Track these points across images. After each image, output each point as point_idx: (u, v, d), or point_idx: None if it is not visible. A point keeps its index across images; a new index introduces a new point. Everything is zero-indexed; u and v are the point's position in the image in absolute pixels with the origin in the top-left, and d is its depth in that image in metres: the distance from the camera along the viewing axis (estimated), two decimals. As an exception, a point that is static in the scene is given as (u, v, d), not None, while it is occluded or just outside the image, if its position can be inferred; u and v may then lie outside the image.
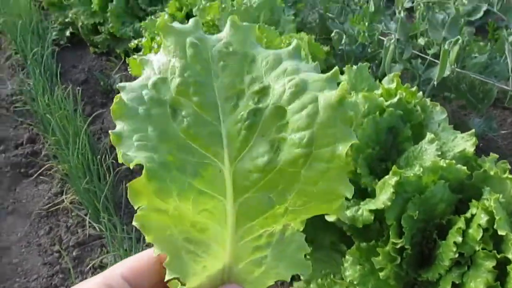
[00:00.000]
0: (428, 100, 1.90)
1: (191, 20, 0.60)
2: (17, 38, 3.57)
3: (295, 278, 1.92)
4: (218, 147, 0.52)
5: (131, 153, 0.48)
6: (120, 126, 0.50)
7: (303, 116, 0.51)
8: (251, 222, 0.53)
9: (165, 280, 0.49)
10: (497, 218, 1.27)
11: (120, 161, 0.48)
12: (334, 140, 0.51)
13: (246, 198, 0.52)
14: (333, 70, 0.53)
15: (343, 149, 0.50)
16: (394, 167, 1.44)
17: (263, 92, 0.54)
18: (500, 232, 1.25)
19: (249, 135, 0.53)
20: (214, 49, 0.57)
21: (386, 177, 1.46)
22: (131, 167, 0.48)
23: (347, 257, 1.49)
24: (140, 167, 0.46)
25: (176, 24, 0.58)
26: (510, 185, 1.46)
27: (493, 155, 1.64)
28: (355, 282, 1.41)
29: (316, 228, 1.71)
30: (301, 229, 0.54)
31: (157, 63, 0.56)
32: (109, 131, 0.48)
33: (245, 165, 0.52)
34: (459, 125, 3.04)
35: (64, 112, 2.47)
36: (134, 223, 0.51)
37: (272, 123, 0.53)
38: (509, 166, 1.55)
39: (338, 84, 0.53)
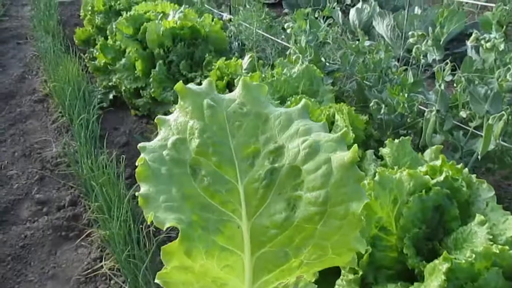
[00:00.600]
0: (474, 176, 1.87)
1: (205, 82, 0.64)
2: (65, 103, 3.75)
3: None
4: (236, 204, 0.54)
5: (160, 215, 0.50)
6: (145, 188, 0.52)
7: (318, 176, 0.53)
8: (267, 275, 0.53)
9: None
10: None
11: (149, 221, 0.49)
12: (348, 199, 0.52)
13: (263, 252, 0.53)
14: (342, 131, 0.55)
15: (356, 207, 0.52)
16: (445, 253, 1.40)
17: (278, 152, 0.56)
18: None
19: (266, 193, 0.55)
20: (229, 109, 0.60)
21: (436, 261, 1.42)
22: (164, 229, 0.49)
23: None
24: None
25: (192, 86, 0.62)
26: None
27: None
28: None
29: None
30: (313, 280, 0.56)
31: (174, 122, 0.59)
32: (136, 193, 0.49)
33: (263, 221, 0.54)
34: (503, 197, 2.96)
35: (107, 178, 2.54)
36: (156, 280, 0.51)
37: (288, 182, 0.55)
38: None
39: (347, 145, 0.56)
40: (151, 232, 2.30)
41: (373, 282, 1.60)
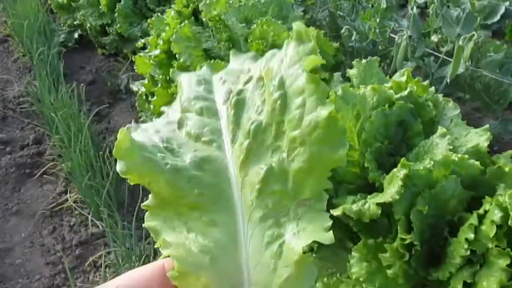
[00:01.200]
0: (440, 96, 1.84)
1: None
2: (24, 40, 3.57)
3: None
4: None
5: None
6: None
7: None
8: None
9: None
10: (511, 214, 1.20)
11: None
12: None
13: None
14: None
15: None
16: (403, 160, 1.37)
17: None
18: (516, 228, 1.18)
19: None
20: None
21: (395, 169, 1.39)
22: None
23: (353, 253, 1.42)
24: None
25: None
26: (526, 181, 1.39)
27: (509, 152, 1.56)
28: (361, 279, 1.34)
29: (322, 226, 1.64)
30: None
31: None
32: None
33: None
34: (474, 127, 2.95)
35: (68, 111, 2.44)
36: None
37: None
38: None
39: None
40: (112, 162, 2.24)
41: (334, 195, 1.58)
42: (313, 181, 0.43)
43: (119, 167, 0.42)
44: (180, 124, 0.50)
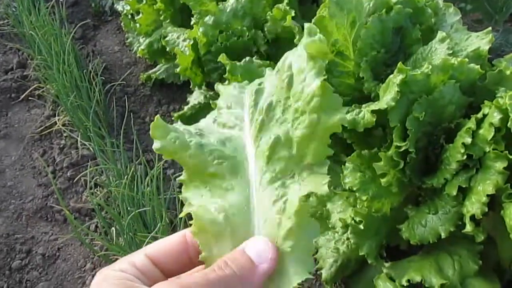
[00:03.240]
0: (440, 1, 1.73)
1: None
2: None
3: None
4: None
5: None
6: None
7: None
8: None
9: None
10: (511, 116, 1.15)
11: None
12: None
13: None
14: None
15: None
16: (400, 64, 1.30)
17: None
18: (515, 130, 1.13)
19: None
20: None
21: (391, 76, 1.33)
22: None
23: (347, 164, 1.39)
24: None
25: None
26: (528, 86, 1.33)
27: (511, 55, 1.49)
28: (354, 189, 1.32)
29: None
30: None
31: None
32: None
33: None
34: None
35: (49, 30, 2.31)
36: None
37: None
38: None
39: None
40: (98, 83, 2.16)
41: (327, 107, 1.52)
42: (315, 146, 0.48)
43: (154, 145, 0.51)
44: (214, 119, 0.58)
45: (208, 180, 0.51)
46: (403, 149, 1.27)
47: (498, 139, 1.19)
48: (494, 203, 1.21)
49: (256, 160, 0.51)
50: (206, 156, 0.51)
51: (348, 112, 1.40)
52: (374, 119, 1.30)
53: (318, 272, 1.59)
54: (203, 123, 0.58)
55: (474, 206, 1.18)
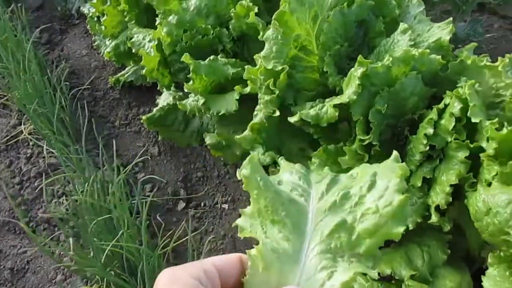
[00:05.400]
0: (403, -8, 1.72)
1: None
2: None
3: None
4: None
5: None
6: None
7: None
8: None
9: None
10: (471, 105, 1.15)
11: None
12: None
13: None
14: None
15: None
16: (359, 57, 1.29)
17: None
18: (473, 120, 1.13)
19: None
20: None
21: (352, 69, 1.31)
22: None
23: (313, 159, 1.38)
24: None
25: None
26: (488, 74, 1.33)
27: (472, 44, 1.49)
28: (321, 185, 1.30)
29: (282, 136, 1.59)
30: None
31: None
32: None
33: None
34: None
35: (11, 37, 2.25)
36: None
37: None
38: (489, 59, 1.41)
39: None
40: (64, 89, 2.11)
41: (293, 103, 1.51)
42: (371, 243, 0.56)
43: (243, 171, 0.59)
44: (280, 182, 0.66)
45: (267, 224, 0.59)
46: (366, 142, 1.27)
47: (459, 129, 1.19)
48: (459, 192, 1.22)
49: (316, 228, 0.59)
50: (278, 205, 0.60)
51: (312, 107, 1.39)
52: (337, 114, 1.29)
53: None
54: (283, 177, 0.68)
55: (438, 196, 1.18)
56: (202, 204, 1.99)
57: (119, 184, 1.61)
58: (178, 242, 1.73)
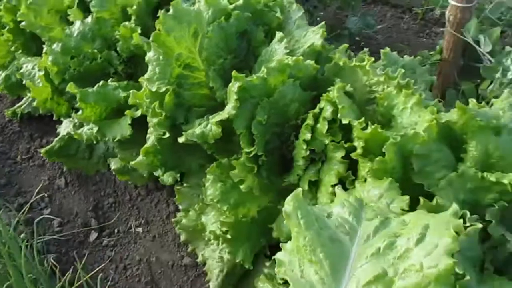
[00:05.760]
0: (285, 0, 1.78)
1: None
2: None
3: (177, 209, 1.84)
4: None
5: None
6: None
7: None
8: None
9: None
10: (340, 107, 1.21)
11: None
12: None
13: None
14: None
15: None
16: (234, 72, 1.32)
17: None
18: (344, 121, 1.20)
19: None
20: None
21: (230, 84, 1.34)
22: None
23: (207, 176, 1.39)
24: None
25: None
26: (360, 73, 1.40)
27: (344, 45, 1.57)
28: (215, 200, 1.32)
29: (180, 154, 1.59)
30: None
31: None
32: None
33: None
34: (338, 27, 2.99)
35: None
36: None
37: None
38: (367, 56, 1.49)
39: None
40: None
41: (184, 122, 1.51)
42: None
43: (286, 207, 0.66)
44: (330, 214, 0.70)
45: (305, 263, 0.62)
46: (252, 154, 1.30)
47: (335, 131, 1.25)
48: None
49: (354, 274, 0.61)
50: (317, 245, 0.61)
51: (199, 124, 1.40)
52: (220, 130, 1.31)
53: (207, 286, 1.59)
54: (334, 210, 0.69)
55: (324, 197, 1.23)
56: (115, 231, 1.95)
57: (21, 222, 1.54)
58: (90, 274, 1.67)
